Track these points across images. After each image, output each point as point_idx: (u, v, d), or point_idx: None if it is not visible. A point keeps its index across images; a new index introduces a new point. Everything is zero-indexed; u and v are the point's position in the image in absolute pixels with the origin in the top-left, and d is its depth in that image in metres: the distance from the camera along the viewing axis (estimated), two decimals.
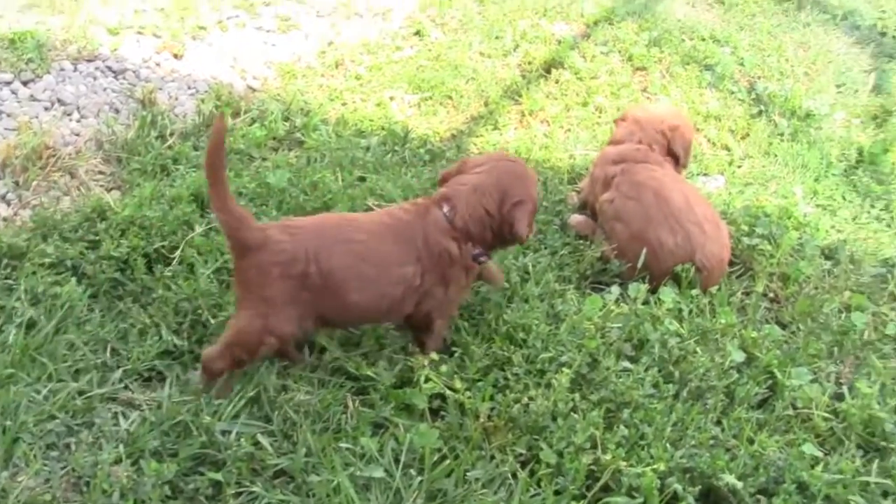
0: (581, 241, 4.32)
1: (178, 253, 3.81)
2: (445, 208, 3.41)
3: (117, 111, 4.96)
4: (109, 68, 5.29)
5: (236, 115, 5.08)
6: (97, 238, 3.79)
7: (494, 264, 3.75)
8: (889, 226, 4.99)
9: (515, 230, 3.41)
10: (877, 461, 3.39)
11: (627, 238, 4.20)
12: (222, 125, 3.08)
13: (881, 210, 5.08)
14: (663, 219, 4.13)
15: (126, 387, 3.25)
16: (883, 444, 3.48)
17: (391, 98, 5.50)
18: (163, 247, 3.83)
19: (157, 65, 5.50)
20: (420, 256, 3.35)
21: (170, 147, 4.68)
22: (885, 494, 3.24)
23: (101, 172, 4.48)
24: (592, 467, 3.05)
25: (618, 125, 4.55)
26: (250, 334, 3.15)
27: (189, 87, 5.37)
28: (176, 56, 5.61)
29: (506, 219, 3.41)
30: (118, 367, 3.30)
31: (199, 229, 3.93)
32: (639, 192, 4.21)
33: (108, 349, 3.37)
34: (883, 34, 7.53)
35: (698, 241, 4.11)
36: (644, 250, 4.12)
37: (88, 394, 3.14)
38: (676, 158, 4.40)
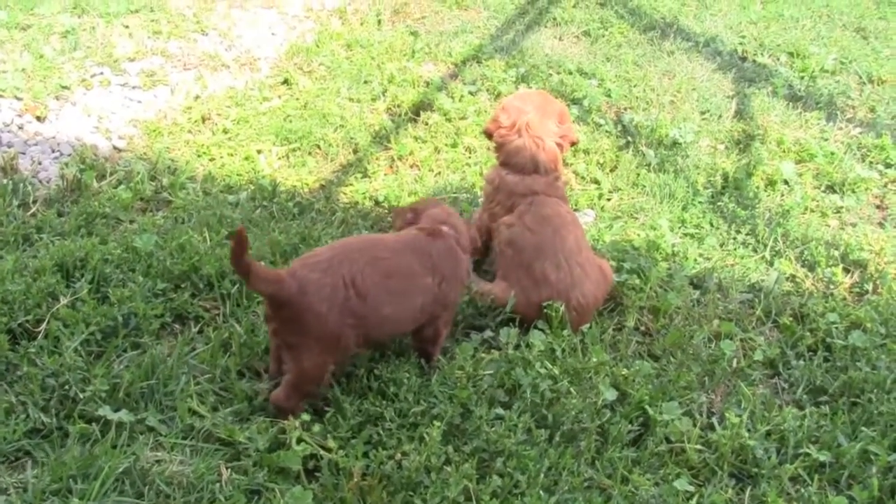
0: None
1: (43, 326, 3.73)
2: (446, 229, 3.80)
3: None
4: None
5: (101, 177, 5.00)
6: None
7: None
8: (755, 250, 5.10)
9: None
10: (749, 489, 3.49)
11: (514, 264, 4.26)
12: (242, 236, 3.13)
13: (747, 235, 5.18)
14: (553, 254, 4.19)
15: None
16: (755, 470, 3.58)
17: (259, 151, 5.46)
18: (27, 321, 3.77)
19: (20, 128, 5.42)
20: (436, 268, 3.67)
21: (33, 215, 4.60)
22: None
23: None
24: None
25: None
26: (315, 372, 3.45)
27: (53, 151, 5.28)
28: (39, 118, 5.54)
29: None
30: None
31: (64, 301, 3.86)
32: (541, 225, 4.26)
33: None
34: (743, 59, 7.71)
35: (578, 280, 4.18)
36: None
37: None
38: None
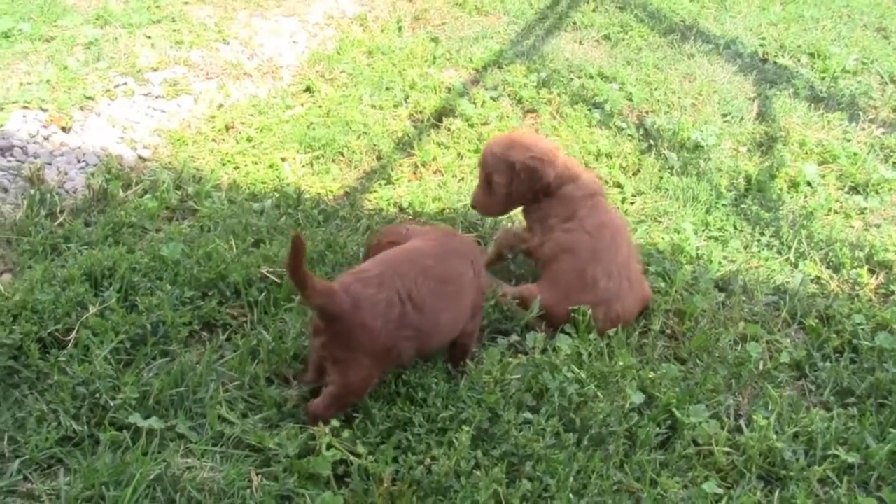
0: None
1: (72, 335, 3.77)
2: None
3: (6, 190, 4.89)
4: None
5: (127, 187, 5.03)
6: None
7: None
8: (779, 252, 5.09)
9: None
10: (778, 491, 3.50)
11: (569, 269, 4.26)
12: (300, 244, 3.15)
13: (771, 237, 5.18)
14: (608, 262, 4.22)
15: (25, 478, 3.20)
16: (783, 472, 3.58)
17: (283, 159, 5.48)
18: (57, 330, 3.79)
19: (46, 139, 5.45)
20: (473, 261, 3.78)
21: (60, 225, 4.62)
22: None
23: None
24: None
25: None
26: (361, 386, 3.46)
27: (79, 161, 5.31)
28: (64, 129, 5.57)
29: None
30: (16, 458, 3.24)
31: (92, 309, 3.89)
32: (599, 230, 4.29)
33: (5, 439, 3.31)
34: (764, 61, 7.71)
35: (624, 293, 4.22)
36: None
37: None
38: None
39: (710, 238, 5.18)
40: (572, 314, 4.13)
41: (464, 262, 3.72)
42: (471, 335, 3.84)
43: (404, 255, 3.61)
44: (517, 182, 4.30)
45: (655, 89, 6.88)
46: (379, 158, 5.61)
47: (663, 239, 5.03)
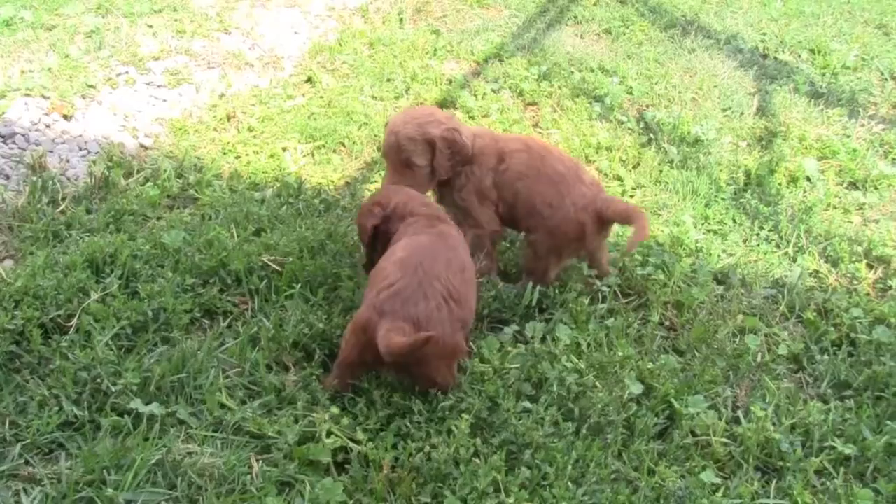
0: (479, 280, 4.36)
1: (74, 321, 3.78)
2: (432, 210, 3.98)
3: (7, 177, 4.91)
4: None
5: (129, 175, 5.04)
6: None
7: None
8: (778, 246, 5.11)
9: None
10: (774, 482, 3.50)
11: (538, 191, 4.33)
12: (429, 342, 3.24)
13: (769, 231, 5.19)
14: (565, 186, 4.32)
15: (27, 462, 3.21)
16: (780, 464, 3.59)
17: (284, 149, 5.50)
18: (58, 316, 3.81)
19: (47, 127, 5.47)
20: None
21: (62, 212, 4.64)
22: None
23: None
24: None
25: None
26: (444, 384, 3.56)
27: (80, 149, 5.33)
28: (66, 117, 5.58)
29: None
30: (17, 442, 3.25)
31: (94, 296, 3.91)
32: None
33: (7, 423, 3.33)
34: (765, 56, 7.72)
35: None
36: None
37: None
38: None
39: (709, 231, 5.20)
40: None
41: (462, 245, 3.79)
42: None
43: (423, 254, 3.56)
44: (440, 157, 4.25)
45: (656, 83, 6.90)
46: (379, 149, 5.61)
47: (663, 232, 5.05)
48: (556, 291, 4.30)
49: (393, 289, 3.39)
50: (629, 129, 6.19)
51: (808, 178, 5.85)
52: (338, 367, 3.60)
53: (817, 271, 4.94)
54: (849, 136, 6.44)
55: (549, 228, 4.29)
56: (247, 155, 5.40)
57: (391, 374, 3.58)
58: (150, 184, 4.96)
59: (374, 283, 3.50)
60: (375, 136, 5.70)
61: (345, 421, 3.37)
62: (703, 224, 5.25)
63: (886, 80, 7.48)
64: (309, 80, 6.45)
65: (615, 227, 4.61)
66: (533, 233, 4.35)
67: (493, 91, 6.49)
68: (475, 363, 3.76)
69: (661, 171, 5.71)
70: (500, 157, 4.32)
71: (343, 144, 5.63)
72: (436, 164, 4.28)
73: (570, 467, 3.30)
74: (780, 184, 5.75)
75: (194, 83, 6.23)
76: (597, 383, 3.75)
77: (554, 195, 4.27)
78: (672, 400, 3.74)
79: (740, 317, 4.42)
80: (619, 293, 4.47)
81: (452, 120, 4.35)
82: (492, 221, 4.39)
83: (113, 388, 3.45)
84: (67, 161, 5.16)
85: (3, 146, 5.17)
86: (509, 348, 3.92)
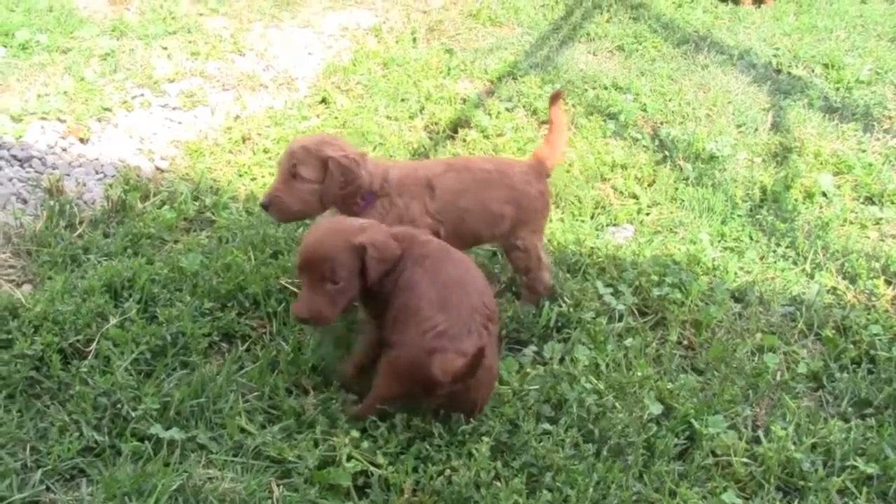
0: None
1: (93, 346, 3.79)
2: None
3: (25, 202, 4.92)
4: (14, 157, 5.27)
5: (145, 198, 5.05)
6: (10, 337, 3.75)
7: None
8: (795, 263, 5.09)
9: None
10: (797, 502, 3.50)
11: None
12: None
13: (786, 248, 5.18)
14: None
15: (48, 488, 3.21)
16: (801, 483, 3.57)
17: None
18: (77, 341, 3.81)
19: (64, 150, 5.48)
20: None
21: (80, 236, 4.65)
22: None
23: (10, 267, 4.42)
24: None
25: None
26: (484, 402, 3.59)
27: (97, 172, 5.34)
28: (82, 140, 5.60)
29: None
30: (38, 468, 3.25)
31: (113, 320, 3.92)
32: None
33: (28, 449, 3.32)
34: (778, 71, 7.72)
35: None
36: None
37: (9, 499, 3.09)
38: None
39: (725, 249, 5.19)
40: None
41: (465, 257, 3.75)
42: None
43: (454, 285, 3.51)
44: (329, 181, 4.07)
45: (670, 100, 6.90)
46: None
47: (679, 250, 5.03)
48: (571, 310, 4.30)
49: (437, 330, 3.37)
50: (644, 146, 6.19)
51: (824, 194, 5.84)
52: (375, 401, 3.56)
53: (835, 288, 4.92)
54: (864, 151, 6.43)
55: (519, 219, 4.31)
56: (263, 177, 5.40)
57: (431, 403, 3.55)
58: (166, 207, 4.97)
59: (411, 323, 3.44)
60: (391, 156, 5.70)
61: (365, 444, 3.36)
62: (719, 242, 5.24)
63: None
64: (323, 100, 6.46)
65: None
66: (510, 237, 4.36)
67: (507, 110, 6.49)
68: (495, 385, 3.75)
69: (676, 189, 5.70)
70: (429, 184, 4.22)
71: None
72: (323, 188, 4.09)
73: (591, 490, 3.29)
74: (796, 200, 5.74)
75: (209, 105, 6.24)
76: (616, 404, 3.75)
77: (503, 190, 4.29)
78: (692, 420, 3.73)
79: (759, 335, 4.41)
80: (636, 312, 4.47)
81: (359, 154, 4.18)
82: None
83: (133, 414, 3.45)
84: (84, 185, 5.17)
85: (20, 170, 5.18)
86: (528, 370, 3.92)
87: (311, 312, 3.51)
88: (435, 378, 3.28)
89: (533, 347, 4.14)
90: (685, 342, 4.37)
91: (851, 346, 4.40)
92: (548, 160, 4.42)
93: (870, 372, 4.26)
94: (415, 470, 3.32)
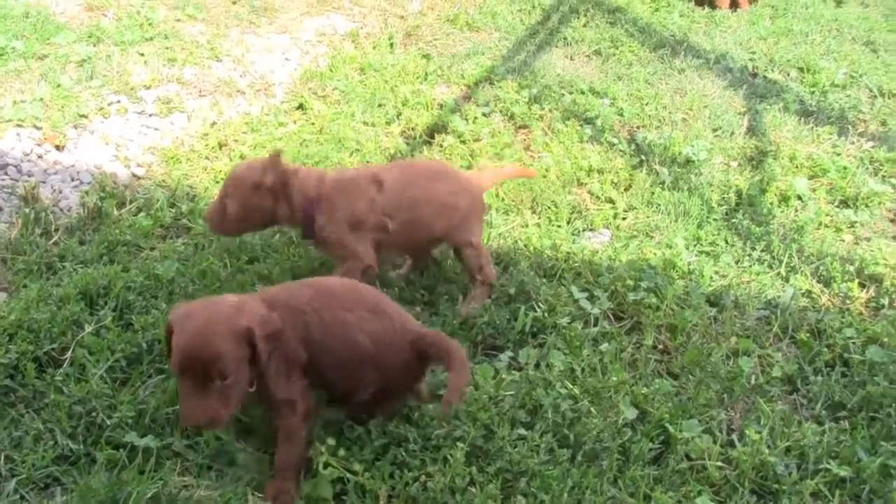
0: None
1: (68, 354, 3.80)
2: None
3: (0, 209, 4.91)
4: None
5: (121, 205, 5.06)
6: None
7: None
8: (770, 266, 5.11)
9: None
10: None
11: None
12: None
13: (762, 251, 5.20)
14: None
15: (22, 497, 3.23)
16: (775, 486, 3.59)
17: None
18: (53, 349, 3.83)
19: (40, 157, 5.48)
20: None
21: (56, 243, 4.66)
22: None
23: None
24: None
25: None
26: None
27: (73, 179, 5.34)
28: (58, 147, 5.59)
29: None
30: (13, 477, 3.27)
31: (88, 328, 3.93)
32: None
33: (2, 458, 3.35)
34: (754, 75, 7.75)
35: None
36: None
37: None
38: None
39: (701, 253, 5.20)
40: None
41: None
42: None
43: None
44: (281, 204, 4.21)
45: (646, 104, 6.91)
46: None
47: (655, 254, 5.04)
48: (546, 315, 4.32)
49: None
50: (620, 151, 6.20)
51: (800, 197, 5.86)
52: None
53: (810, 291, 4.94)
54: (839, 154, 6.45)
55: (472, 211, 4.43)
56: None
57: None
58: (142, 214, 4.97)
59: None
60: (367, 162, 5.70)
61: (340, 452, 3.36)
62: (695, 246, 5.26)
63: (875, 97, 7.50)
64: (300, 106, 6.46)
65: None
66: (462, 232, 4.42)
67: (484, 115, 6.50)
68: (469, 390, 3.75)
69: (652, 193, 5.72)
70: (375, 179, 4.25)
71: None
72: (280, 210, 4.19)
73: (566, 495, 3.31)
74: (771, 203, 5.76)
75: (186, 111, 6.24)
76: (591, 409, 3.77)
77: (452, 182, 4.39)
78: (667, 424, 3.75)
79: (734, 339, 4.43)
80: (611, 317, 4.49)
81: (290, 170, 4.22)
82: (367, 253, 4.21)
83: (108, 422, 3.47)
84: (60, 192, 5.17)
85: None
86: (503, 375, 3.93)
87: (206, 420, 3.10)
88: None
89: (508, 353, 4.16)
90: (660, 346, 4.39)
91: (826, 349, 4.42)
92: (483, 182, 4.64)
93: (843, 375, 4.28)
94: (391, 476, 3.33)
